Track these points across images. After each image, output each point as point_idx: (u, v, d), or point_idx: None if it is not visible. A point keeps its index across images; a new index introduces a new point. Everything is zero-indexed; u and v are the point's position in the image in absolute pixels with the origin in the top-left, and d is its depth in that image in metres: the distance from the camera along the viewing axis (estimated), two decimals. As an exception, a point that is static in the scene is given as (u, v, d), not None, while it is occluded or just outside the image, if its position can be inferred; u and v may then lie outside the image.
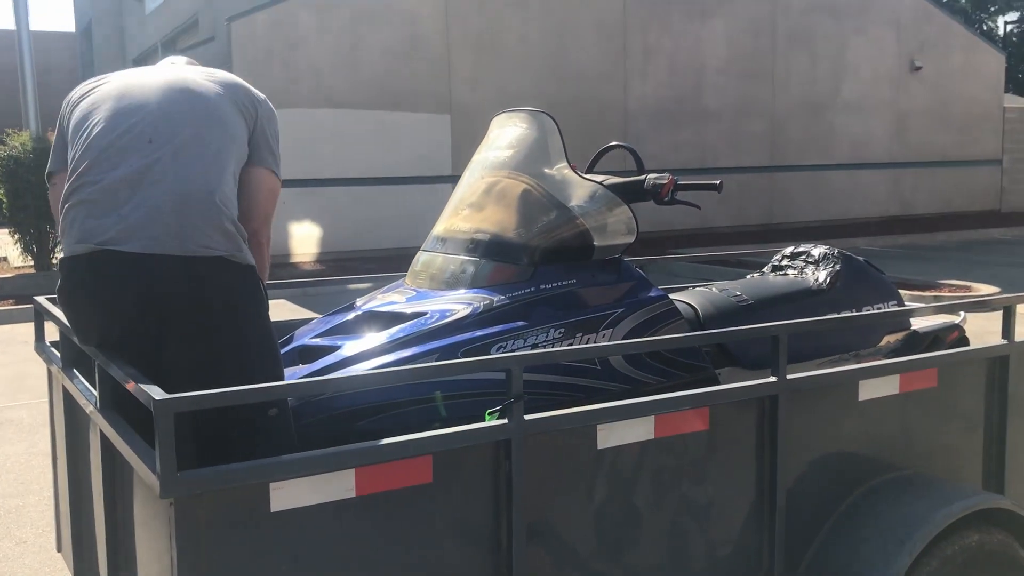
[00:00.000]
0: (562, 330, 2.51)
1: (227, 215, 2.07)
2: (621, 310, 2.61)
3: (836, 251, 3.48)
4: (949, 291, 10.10)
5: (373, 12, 13.75)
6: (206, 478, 1.59)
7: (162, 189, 2.02)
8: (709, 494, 2.21)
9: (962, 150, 19.58)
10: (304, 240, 13.65)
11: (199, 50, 15.63)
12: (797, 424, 2.32)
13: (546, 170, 2.74)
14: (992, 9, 37.35)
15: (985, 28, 36.43)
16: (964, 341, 3.62)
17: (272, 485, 1.67)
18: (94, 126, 2.11)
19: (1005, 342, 2.72)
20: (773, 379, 2.28)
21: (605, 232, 2.69)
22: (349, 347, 2.49)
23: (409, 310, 2.59)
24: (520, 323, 2.50)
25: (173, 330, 2.02)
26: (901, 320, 3.44)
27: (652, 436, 2.11)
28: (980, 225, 18.09)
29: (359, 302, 2.85)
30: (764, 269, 3.67)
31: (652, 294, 2.69)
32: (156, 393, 1.58)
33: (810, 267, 3.48)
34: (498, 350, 2.44)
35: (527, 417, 1.92)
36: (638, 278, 2.73)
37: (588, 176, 2.75)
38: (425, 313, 2.54)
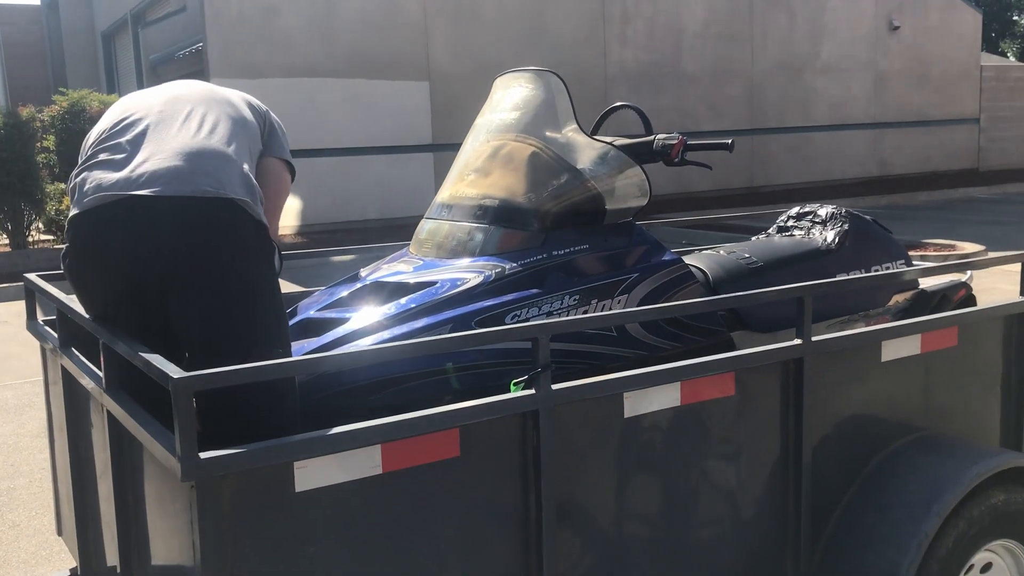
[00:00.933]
0: (577, 297, 2.44)
1: (242, 167, 1.98)
2: (635, 275, 2.54)
3: (843, 210, 3.43)
4: (935, 250, 10.12)
5: (348, -21, 13.50)
6: (228, 460, 1.51)
7: (175, 143, 1.96)
8: (736, 459, 2.16)
9: (940, 109, 19.60)
10: (284, 213, 13.48)
11: (171, 21, 15.33)
12: (822, 386, 2.27)
13: (555, 132, 2.66)
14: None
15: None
16: (971, 299, 3.59)
17: (296, 464, 1.60)
18: (101, 128, 2.07)
19: (1022, 299, 2.68)
20: (798, 341, 2.22)
21: (617, 195, 2.61)
22: (357, 319, 2.41)
23: (418, 279, 2.51)
24: (534, 291, 2.43)
25: (181, 282, 1.91)
26: (911, 282, 3.40)
27: (679, 403, 2.06)
28: (959, 184, 18.15)
29: (363, 272, 2.76)
30: (769, 230, 3.61)
31: (666, 258, 2.62)
32: (173, 371, 1.49)
33: (817, 227, 3.42)
34: (513, 319, 2.37)
35: (554, 387, 1.85)
36: (651, 242, 2.66)
37: (598, 138, 2.66)
38: (435, 282, 2.46)
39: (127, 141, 1.99)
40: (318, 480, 1.63)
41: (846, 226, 3.35)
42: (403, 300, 2.42)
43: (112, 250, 1.92)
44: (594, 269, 2.53)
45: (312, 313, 2.55)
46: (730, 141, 2.86)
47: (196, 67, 13.10)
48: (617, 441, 1.98)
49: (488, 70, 14.28)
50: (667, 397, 2.03)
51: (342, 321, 2.43)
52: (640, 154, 2.75)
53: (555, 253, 2.51)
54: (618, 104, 3.12)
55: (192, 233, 1.88)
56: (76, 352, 2.26)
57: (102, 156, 1.98)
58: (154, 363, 1.55)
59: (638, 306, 2.52)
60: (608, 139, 2.73)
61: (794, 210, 3.58)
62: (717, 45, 16.70)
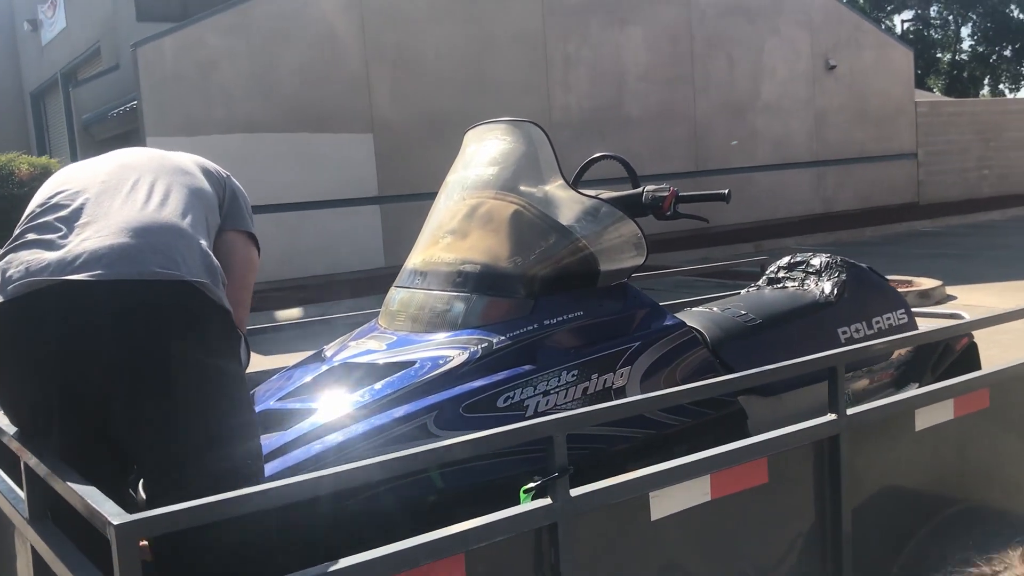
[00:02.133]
0: (575, 372, 2.16)
1: (200, 243, 1.67)
2: (637, 343, 2.28)
3: (839, 259, 3.22)
4: (894, 286, 10.04)
5: (286, 32, 13.24)
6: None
7: (118, 217, 1.64)
8: (772, 551, 1.89)
9: (879, 145, 19.86)
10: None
11: (102, 80, 14.90)
12: (858, 463, 2.02)
13: (539, 187, 2.39)
14: (888, 8, 38.47)
15: (884, 27, 37.50)
16: (974, 347, 3.39)
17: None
18: (33, 205, 1.75)
19: (1052, 351, 2.46)
20: (832, 416, 1.96)
21: (611, 254, 2.35)
22: (324, 409, 2.10)
23: (392, 359, 2.21)
24: (526, 367, 2.14)
25: (127, 384, 1.58)
26: (911, 328, 3.19)
27: (709, 498, 1.78)
28: (901, 218, 18.36)
29: (328, 351, 2.45)
30: (759, 283, 3.38)
31: (668, 323, 2.36)
32: (111, 512, 1.17)
33: (811, 277, 3.20)
34: (505, 401, 2.08)
35: (573, 492, 1.56)
36: (650, 304, 2.40)
37: (586, 192, 2.40)
38: (413, 362, 2.17)
39: (61, 217, 1.67)
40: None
41: (843, 276, 3.13)
42: (378, 385, 2.12)
43: (41, 347, 1.59)
44: (591, 339, 2.26)
45: (272, 404, 2.22)
46: (726, 191, 2.63)
47: (131, 126, 12.67)
48: (643, 549, 1.69)
49: (432, 119, 14.07)
50: (697, 492, 1.76)
51: (307, 413, 2.11)
52: (629, 208, 2.50)
53: (547, 323, 2.24)
54: (600, 155, 2.88)
55: (138, 324, 1.57)
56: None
57: (31, 236, 1.66)
58: (89, 501, 1.23)
59: (643, 377, 2.25)
60: (593, 193, 2.48)
61: (784, 260, 3.36)
62: (659, 89, 16.74)
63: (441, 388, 2.08)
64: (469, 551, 1.46)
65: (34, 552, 1.60)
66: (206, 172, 1.99)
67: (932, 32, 43.40)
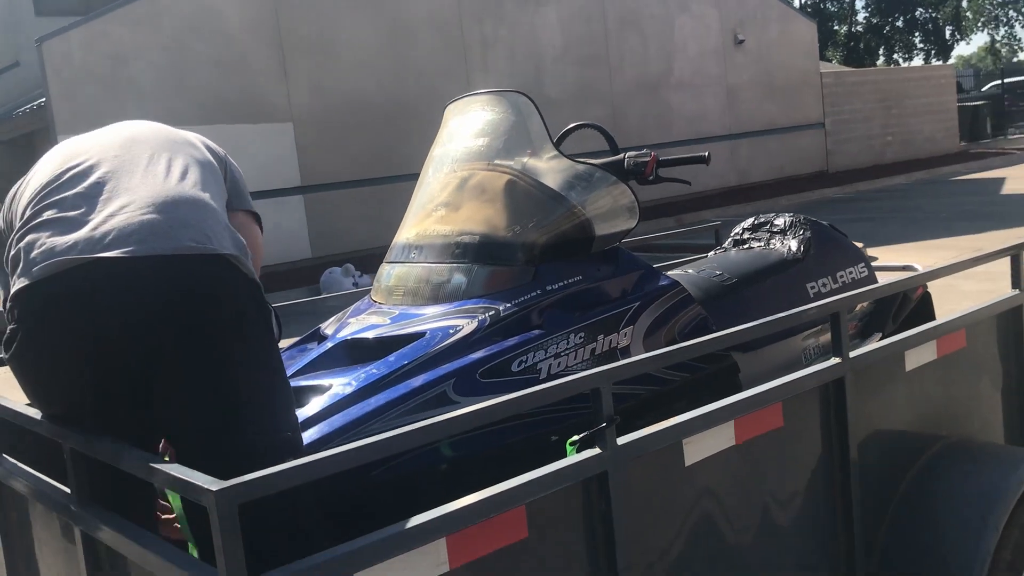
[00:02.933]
0: (582, 334, 2.21)
1: (223, 218, 1.66)
2: (636, 304, 2.34)
3: (802, 217, 3.33)
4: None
5: (198, 23, 12.93)
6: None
7: (143, 192, 1.61)
8: (790, 488, 1.98)
9: (788, 117, 20.41)
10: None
11: (4, 77, 14.33)
12: (860, 403, 2.12)
13: (531, 156, 2.43)
14: (787, -17, 39.38)
15: (785, 1, 38.40)
16: (928, 296, 3.55)
17: (357, 576, 1.30)
18: (39, 181, 1.69)
19: (1017, 292, 2.61)
20: (837, 360, 2.06)
21: (606, 219, 2.40)
22: (340, 384, 2.10)
23: (401, 331, 2.22)
24: (535, 332, 2.18)
25: (169, 361, 1.55)
26: (871, 282, 3.33)
27: (733, 442, 1.85)
28: (813, 187, 18.89)
29: (327, 329, 2.45)
30: (725, 244, 3.48)
31: (663, 283, 2.43)
32: (209, 483, 1.17)
33: (776, 237, 3.31)
34: (519, 365, 2.11)
35: (619, 441, 1.61)
36: (643, 266, 2.46)
37: (579, 159, 2.45)
38: (423, 334, 2.18)
39: (80, 194, 1.63)
40: (380, 591, 1.33)
41: (808, 233, 3.25)
42: (391, 357, 2.13)
43: (74, 329, 1.55)
44: (593, 302, 2.31)
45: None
46: (706, 153, 2.71)
47: (39, 124, 12.23)
48: (679, 493, 1.75)
49: (352, 106, 13.89)
50: (723, 438, 1.83)
51: (322, 388, 2.11)
52: (614, 174, 2.55)
53: (549, 288, 2.28)
54: (577, 124, 2.92)
55: (179, 300, 1.55)
56: (14, 461, 1.86)
57: (48, 214, 1.61)
58: (177, 474, 1.22)
59: (645, 335, 2.31)
60: (581, 159, 2.53)
61: (748, 222, 3.46)
62: (577, 69, 16.88)
63: (455, 356, 2.11)
64: (529, 503, 1.50)
65: (86, 540, 1.57)
66: (208, 148, 1.97)
67: (828, 5, 44.69)
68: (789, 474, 1.97)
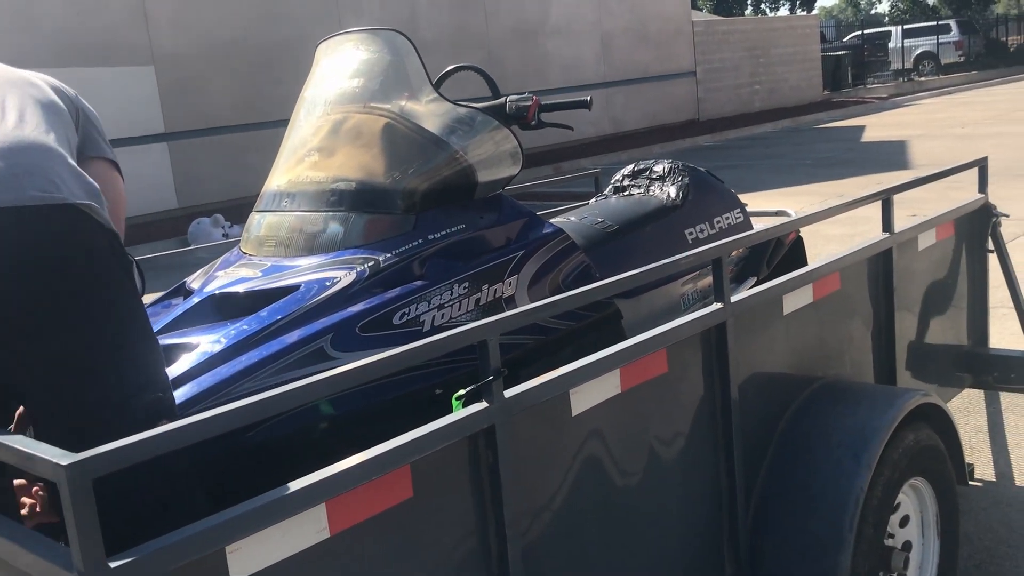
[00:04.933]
0: (466, 284, 2.15)
1: (71, 163, 1.51)
2: (520, 252, 2.29)
3: (680, 164, 3.34)
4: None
5: (45, -44, 12.07)
6: (147, 561, 1.11)
7: None
8: (673, 434, 1.98)
9: (661, 65, 20.67)
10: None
11: None
12: (740, 348, 2.14)
13: (409, 99, 2.32)
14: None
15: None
16: (800, 240, 3.64)
17: (228, 549, 1.21)
18: None
19: (887, 235, 2.68)
20: (719, 305, 2.06)
21: (489, 165, 2.33)
22: (208, 342, 1.98)
23: (274, 285, 2.11)
24: (417, 283, 2.11)
25: (19, 324, 1.41)
26: (748, 229, 3.38)
27: (619, 390, 1.83)
28: (684, 135, 19.25)
29: (192, 283, 2.30)
30: (605, 192, 3.46)
31: (547, 230, 2.39)
32: (59, 456, 1.06)
33: (656, 183, 3.31)
34: (401, 318, 2.04)
35: (507, 393, 1.56)
36: (527, 214, 2.41)
37: (460, 102, 2.36)
38: (298, 286, 2.08)
39: None
40: (256, 562, 1.25)
41: (686, 180, 3.26)
42: (263, 312, 2.02)
43: None
44: (476, 251, 2.24)
45: (145, 340, 2.08)
46: (588, 98, 2.66)
47: None
48: (568, 444, 1.72)
49: (219, 50, 13.26)
50: (609, 386, 1.80)
51: (189, 347, 1.99)
52: (496, 118, 2.48)
53: (431, 237, 2.20)
54: (456, 66, 2.83)
55: (28, 256, 1.40)
56: None
57: None
58: (21, 447, 1.10)
59: (529, 284, 2.27)
60: (463, 102, 2.44)
61: (628, 169, 3.45)
62: (452, 13, 16.60)
63: (333, 310, 2.02)
64: (414, 462, 1.43)
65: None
66: (55, 88, 1.80)
67: (699, -45, 45.29)
68: (673, 419, 1.97)
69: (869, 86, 28.12)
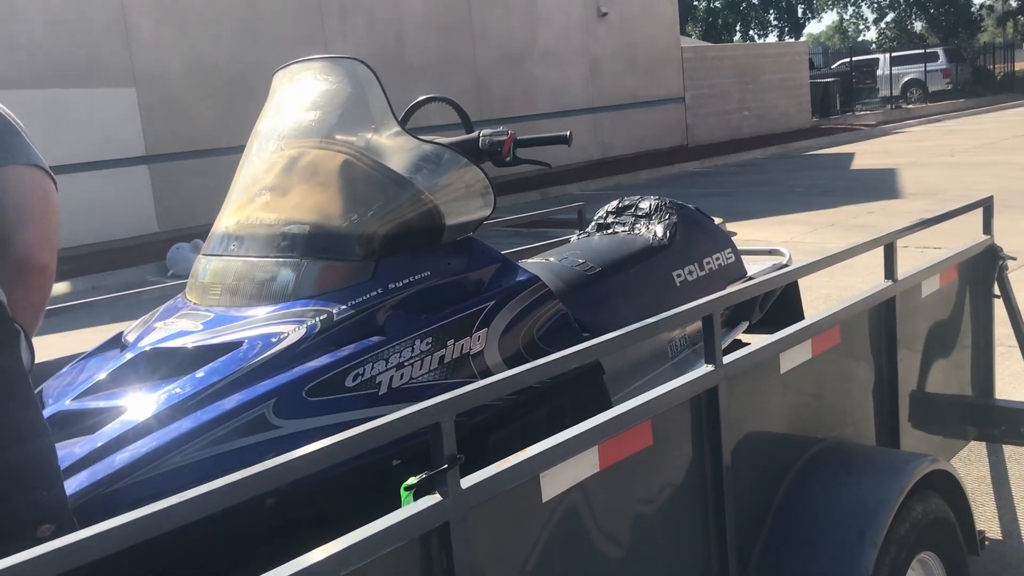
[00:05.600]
0: (429, 340, 1.93)
1: None
2: (491, 302, 2.07)
3: (667, 200, 3.14)
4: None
5: (25, -25, 11.87)
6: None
7: None
8: (658, 511, 1.77)
9: (649, 91, 20.59)
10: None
11: None
12: (734, 412, 1.92)
13: (371, 133, 2.12)
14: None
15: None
16: (796, 284, 3.44)
17: None
18: None
19: (890, 283, 2.48)
20: (710, 368, 1.85)
21: (457, 206, 2.12)
22: (136, 406, 1.76)
23: (214, 340, 1.89)
24: (374, 339, 1.89)
25: None
26: (740, 270, 3.18)
27: (597, 468, 1.62)
28: (673, 160, 19.13)
29: (129, 335, 2.08)
30: (588, 229, 3.26)
31: (520, 278, 2.17)
32: None
33: (641, 221, 3.11)
34: (355, 379, 1.82)
35: (464, 483, 1.34)
36: (499, 259, 2.20)
37: (426, 138, 2.15)
38: (240, 343, 1.86)
39: None
40: None
41: (674, 217, 3.06)
42: (199, 373, 1.80)
43: None
44: (442, 301, 2.03)
45: (67, 403, 1.85)
46: (568, 133, 2.46)
47: None
48: (535, 534, 1.50)
49: (202, 71, 13.07)
50: (585, 465, 1.59)
51: (114, 412, 1.77)
52: (467, 155, 2.27)
53: (392, 287, 1.99)
54: (426, 97, 2.63)
55: None
56: None
57: None
58: None
59: (500, 337, 2.06)
60: (428, 138, 2.24)
61: (612, 205, 3.25)
62: (440, 37, 16.47)
63: (277, 370, 1.80)
64: (352, 570, 1.21)
65: None
66: None
67: (688, -19, 45.52)
68: (658, 496, 1.76)
69: (857, 113, 28.14)
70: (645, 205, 3.14)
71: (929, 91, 31.36)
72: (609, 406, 2.23)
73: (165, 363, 1.88)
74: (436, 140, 2.16)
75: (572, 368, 2.15)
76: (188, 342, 1.90)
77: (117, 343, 2.12)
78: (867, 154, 17.91)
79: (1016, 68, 36.05)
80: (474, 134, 2.39)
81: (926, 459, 2.16)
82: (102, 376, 1.89)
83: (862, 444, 2.37)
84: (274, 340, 1.84)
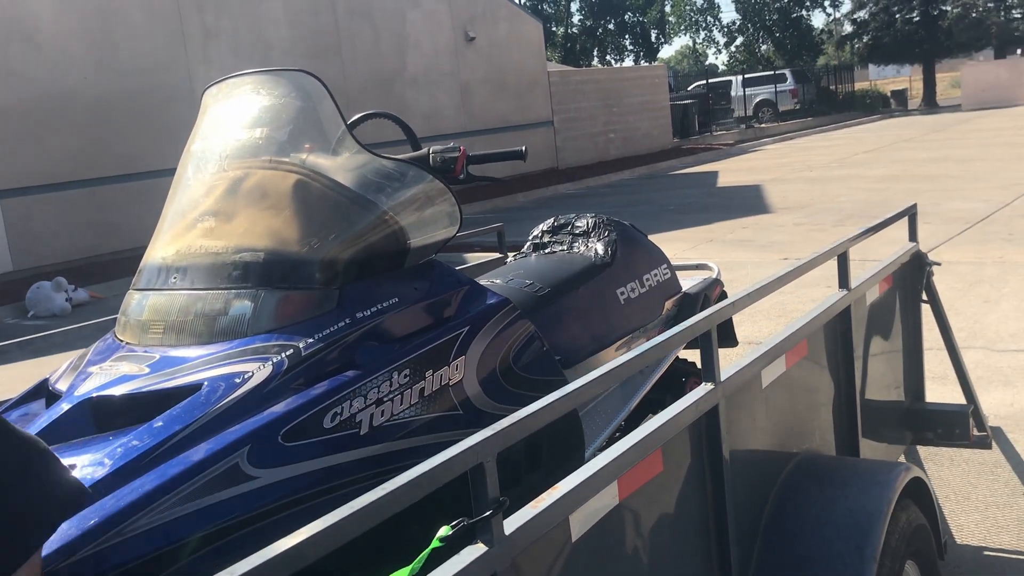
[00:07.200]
0: (407, 372, 1.78)
1: None
2: (465, 328, 1.93)
3: (605, 218, 3.07)
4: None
5: None
6: None
7: None
8: (669, 532, 1.67)
9: (519, 114, 20.75)
10: None
11: None
12: (731, 429, 1.85)
13: (325, 150, 1.95)
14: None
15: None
16: (724, 295, 3.43)
17: None
18: None
19: (845, 292, 2.47)
20: (710, 386, 1.77)
21: (423, 227, 1.97)
22: (85, 463, 1.54)
23: (166, 384, 1.68)
24: (349, 373, 1.72)
25: None
26: (676, 286, 3.14)
27: (617, 501, 1.50)
28: (546, 183, 19.31)
29: (60, 383, 1.84)
30: (524, 249, 3.16)
31: (492, 300, 2.04)
32: None
33: (579, 239, 3.03)
34: (333, 419, 1.65)
35: (507, 527, 1.20)
36: (466, 281, 2.06)
37: (386, 155, 2.00)
38: (198, 385, 1.66)
39: None
40: None
41: (613, 235, 3.00)
42: (158, 423, 1.59)
43: None
44: (414, 328, 1.88)
45: None
46: (523, 148, 2.35)
47: None
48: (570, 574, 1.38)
49: (56, 100, 12.36)
50: (607, 499, 1.47)
51: (59, 471, 1.53)
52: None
53: (359, 316, 1.82)
54: (367, 113, 2.47)
55: None
56: None
57: None
58: None
59: (478, 366, 1.92)
60: (388, 156, 2.08)
61: (547, 223, 3.16)
62: (307, 62, 16.12)
63: (246, 414, 1.61)
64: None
65: None
66: None
67: (546, 6, 46.42)
68: (669, 516, 1.66)
69: (715, 133, 29.17)
70: (582, 223, 3.06)
71: (780, 111, 32.86)
72: (578, 423, 2.14)
73: (111, 413, 1.65)
74: (395, 157, 2.01)
75: (540, 394, 2.05)
76: (135, 387, 1.69)
77: (41, 393, 1.87)
78: (730, 172, 18.53)
79: (856, 88, 38.26)
80: (423, 151, 2.25)
81: (902, 467, 2.14)
82: (37, 430, 1.65)
83: (832, 456, 2.34)
84: (238, 380, 1.65)
